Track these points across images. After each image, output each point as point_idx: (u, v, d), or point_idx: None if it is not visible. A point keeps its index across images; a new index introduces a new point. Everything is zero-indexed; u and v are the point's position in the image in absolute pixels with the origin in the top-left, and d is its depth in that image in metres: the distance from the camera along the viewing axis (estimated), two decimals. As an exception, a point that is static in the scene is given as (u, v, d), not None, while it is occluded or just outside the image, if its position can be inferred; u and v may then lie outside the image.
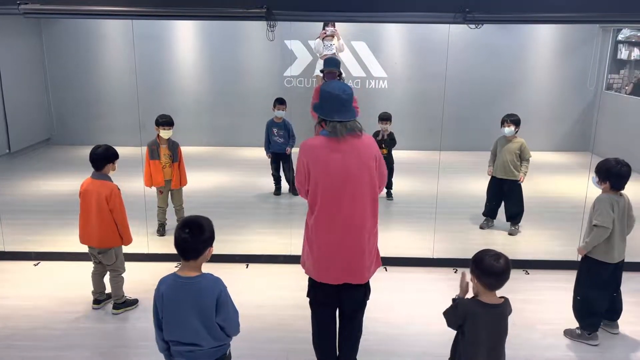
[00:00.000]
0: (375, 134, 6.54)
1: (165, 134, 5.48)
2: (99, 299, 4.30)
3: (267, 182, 7.30)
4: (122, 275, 4.27)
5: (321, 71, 5.49)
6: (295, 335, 3.90)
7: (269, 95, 9.46)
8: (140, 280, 4.62)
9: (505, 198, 5.88)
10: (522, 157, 5.74)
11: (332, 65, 5.06)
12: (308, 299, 3.36)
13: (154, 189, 5.57)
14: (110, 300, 4.32)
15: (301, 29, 9.16)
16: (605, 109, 9.33)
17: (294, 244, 5.26)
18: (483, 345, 2.68)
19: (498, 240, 5.71)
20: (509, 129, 5.68)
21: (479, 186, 7.02)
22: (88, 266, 4.96)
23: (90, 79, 9.70)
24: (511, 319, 3.80)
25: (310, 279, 3.28)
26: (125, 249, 4.34)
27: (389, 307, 4.31)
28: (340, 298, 3.24)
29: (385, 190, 6.86)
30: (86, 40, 9.57)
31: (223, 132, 9.68)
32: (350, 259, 3.10)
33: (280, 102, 6.79)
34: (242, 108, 9.74)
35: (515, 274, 4.90)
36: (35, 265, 5.03)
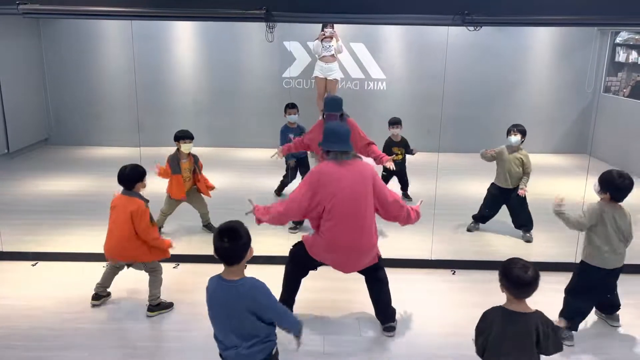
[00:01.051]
0: (389, 141, 6.63)
1: (185, 147, 5.45)
2: (100, 293, 4.29)
3: (266, 182, 7.30)
4: (161, 276, 4.26)
5: (322, 113, 5.58)
6: (291, 336, 3.90)
7: (267, 96, 9.51)
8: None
9: (510, 208, 5.80)
10: (523, 169, 5.65)
11: (334, 109, 5.24)
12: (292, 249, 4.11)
13: (162, 193, 5.59)
14: (108, 299, 4.32)
15: (300, 30, 9.16)
16: (603, 111, 9.36)
17: (291, 244, 5.26)
18: (509, 354, 2.69)
19: (494, 241, 5.71)
20: (515, 138, 5.63)
21: (478, 188, 7.02)
22: (86, 266, 4.98)
23: (88, 79, 9.69)
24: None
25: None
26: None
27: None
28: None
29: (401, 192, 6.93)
30: (85, 40, 9.56)
31: (222, 133, 9.68)
32: (362, 255, 3.82)
33: (291, 106, 6.67)
34: (240, 109, 9.74)
35: (513, 276, 4.92)
36: (33, 265, 5.03)
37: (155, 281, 4.21)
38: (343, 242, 3.70)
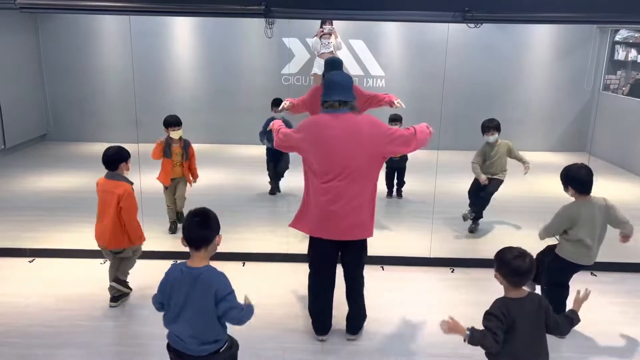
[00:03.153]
0: None
1: (175, 134, 5.47)
2: (116, 295, 4.26)
3: (264, 180, 7.28)
4: (134, 262, 4.31)
5: (323, 75, 5.53)
6: (292, 334, 3.89)
7: (266, 92, 9.45)
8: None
9: (481, 193, 5.82)
10: (513, 155, 5.69)
11: (335, 69, 5.20)
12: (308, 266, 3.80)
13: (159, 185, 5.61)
14: (127, 297, 4.32)
15: (299, 27, 9.13)
16: (602, 109, 9.35)
17: (290, 242, 5.25)
18: (525, 339, 2.67)
19: (493, 239, 5.70)
20: (493, 137, 5.64)
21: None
22: (83, 263, 4.96)
23: (86, 75, 9.66)
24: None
25: (311, 239, 3.69)
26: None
27: (386, 306, 4.30)
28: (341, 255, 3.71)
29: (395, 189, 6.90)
30: (83, 36, 9.52)
31: (220, 129, 9.66)
32: (353, 218, 3.51)
33: (276, 103, 6.66)
34: (239, 105, 9.71)
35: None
36: (30, 262, 5.00)
37: (128, 265, 4.29)
38: (324, 201, 3.45)
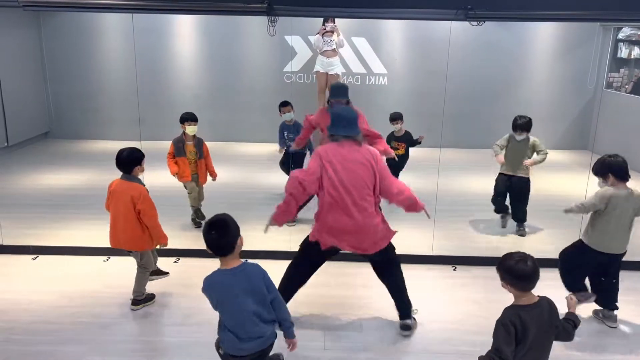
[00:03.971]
0: (390, 135, 6.63)
1: (191, 130, 5.48)
2: (137, 298, 4.22)
3: (267, 178, 7.30)
4: (148, 273, 4.25)
5: (328, 101, 5.60)
6: (295, 331, 3.89)
7: (269, 90, 9.49)
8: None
9: (513, 196, 5.80)
10: (537, 152, 5.71)
11: (340, 95, 5.29)
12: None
13: (168, 181, 5.62)
14: (150, 302, 4.28)
15: (301, 25, 9.13)
16: (605, 107, 9.33)
17: (293, 240, 5.25)
18: (537, 345, 2.64)
19: (495, 237, 5.70)
20: (521, 137, 5.66)
21: (479, 184, 7.04)
22: (86, 260, 4.98)
23: (89, 72, 9.67)
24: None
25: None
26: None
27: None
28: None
29: None
30: (85, 33, 9.53)
31: (223, 127, 9.66)
32: (362, 235, 3.77)
33: (284, 104, 6.64)
34: (242, 103, 9.72)
35: (514, 272, 4.91)
36: (33, 259, 5.02)
37: (142, 278, 4.20)
38: (340, 220, 3.69)
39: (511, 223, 5.90)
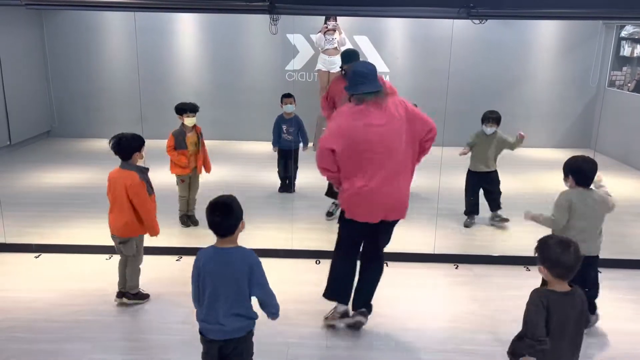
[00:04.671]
0: None
1: (189, 121, 5.43)
2: (123, 291, 4.23)
3: (268, 176, 7.29)
4: (140, 266, 4.24)
5: (341, 68, 5.53)
6: (295, 330, 3.91)
7: (270, 89, 9.47)
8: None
9: (487, 190, 5.92)
10: (507, 144, 5.78)
11: (353, 58, 5.24)
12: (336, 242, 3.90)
13: (172, 178, 5.61)
14: (142, 302, 4.26)
15: (303, 23, 9.12)
16: (607, 106, 9.31)
17: (295, 238, 5.27)
18: (567, 337, 2.57)
19: (497, 236, 5.70)
20: (491, 130, 5.72)
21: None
22: (89, 258, 4.99)
23: (91, 71, 9.67)
24: (513, 316, 3.80)
25: (345, 221, 3.71)
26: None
27: (390, 302, 4.31)
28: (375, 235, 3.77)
29: None
30: (87, 32, 9.54)
31: (224, 126, 9.66)
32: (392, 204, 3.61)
33: (287, 95, 6.66)
34: (243, 102, 9.72)
35: (516, 271, 4.93)
36: (36, 257, 5.03)
37: (134, 272, 4.19)
38: (376, 190, 3.48)
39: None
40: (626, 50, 8.97)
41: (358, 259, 3.92)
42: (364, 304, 3.88)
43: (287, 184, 6.94)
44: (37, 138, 9.45)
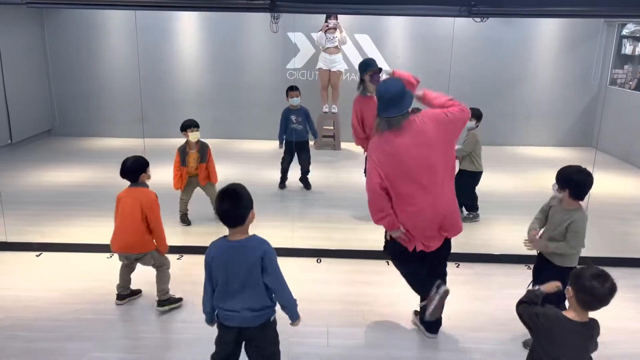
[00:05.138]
0: None
1: (193, 136, 5.48)
2: (122, 293, 4.22)
3: (269, 175, 7.29)
4: (168, 270, 4.18)
5: (362, 77, 5.50)
6: (296, 328, 3.89)
7: (271, 87, 9.48)
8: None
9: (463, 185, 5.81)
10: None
11: (371, 66, 5.28)
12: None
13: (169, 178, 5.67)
14: (135, 297, 4.27)
15: (304, 21, 9.12)
16: (609, 104, 9.30)
17: (295, 237, 5.27)
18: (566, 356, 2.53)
19: (498, 234, 5.69)
20: (470, 124, 5.72)
21: (482, 180, 7.01)
22: (90, 257, 4.99)
23: (92, 70, 9.68)
24: (514, 315, 3.79)
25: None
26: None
27: (391, 301, 4.31)
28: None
29: None
30: (88, 31, 9.54)
31: (225, 124, 9.66)
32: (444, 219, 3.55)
33: (292, 89, 6.64)
34: (244, 101, 9.72)
35: (517, 269, 4.92)
36: (37, 256, 5.03)
37: (163, 277, 4.13)
38: (421, 214, 3.44)
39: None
40: (627, 49, 8.96)
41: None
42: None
43: (286, 179, 6.93)
44: (38, 137, 9.46)
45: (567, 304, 2.64)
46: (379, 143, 3.48)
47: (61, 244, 5.16)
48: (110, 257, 4.96)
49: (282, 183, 6.99)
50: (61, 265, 4.86)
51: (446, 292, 3.62)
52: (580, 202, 3.54)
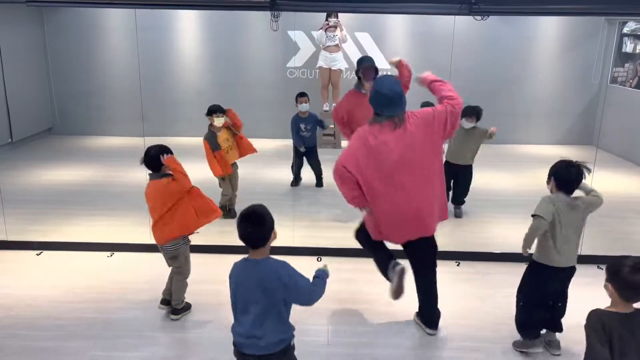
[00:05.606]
0: None
1: (218, 121, 5.59)
2: (168, 298, 4.09)
3: (270, 173, 7.29)
4: (187, 280, 4.05)
5: (357, 73, 5.56)
6: (299, 327, 3.89)
7: (271, 86, 9.47)
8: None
9: (456, 182, 6.03)
10: (485, 135, 5.89)
11: (368, 62, 5.33)
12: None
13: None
14: (188, 312, 4.12)
15: (304, 20, 9.10)
16: (610, 102, 9.28)
17: (296, 236, 5.26)
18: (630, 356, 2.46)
19: (499, 233, 5.69)
20: (470, 124, 5.83)
21: (483, 179, 7.01)
22: (91, 256, 4.99)
23: (92, 68, 9.67)
24: (514, 313, 3.79)
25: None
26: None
27: (391, 300, 4.30)
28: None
29: None
30: (88, 30, 9.53)
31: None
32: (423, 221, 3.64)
33: (302, 95, 6.69)
34: (245, 99, 9.69)
35: (517, 268, 4.90)
36: (37, 254, 5.03)
37: (181, 286, 4.02)
38: (401, 212, 3.50)
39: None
40: (628, 47, 8.94)
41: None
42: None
43: (300, 179, 7.03)
44: (38, 135, 9.45)
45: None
46: (364, 134, 3.49)
47: (61, 243, 5.16)
48: (111, 255, 4.97)
49: (296, 182, 7.06)
50: (61, 264, 4.86)
51: (402, 270, 3.70)
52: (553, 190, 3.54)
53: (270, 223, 2.69)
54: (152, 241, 4.96)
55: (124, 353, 3.63)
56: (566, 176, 3.47)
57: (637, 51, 8.76)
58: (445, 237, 5.41)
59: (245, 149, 5.85)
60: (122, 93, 9.57)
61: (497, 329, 3.93)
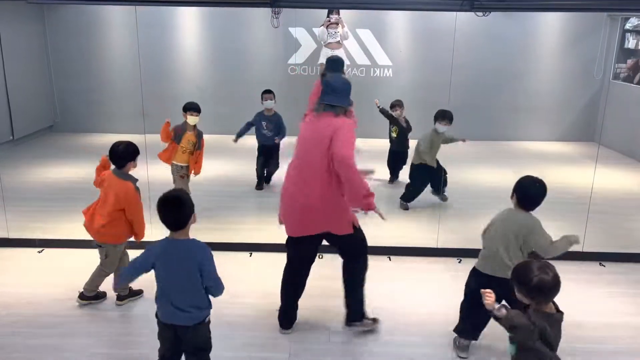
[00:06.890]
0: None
1: (192, 120, 5.54)
2: (122, 294, 4.18)
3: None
4: (106, 277, 4.14)
5: (322, 74, 5.62)
6: (298, 324, 3.90)
7: (272, 83, 9.40)
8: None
9: (433, 179, 6.10)
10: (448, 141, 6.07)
11: (335, 69, 5.30)
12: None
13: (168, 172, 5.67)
14: (135, 298, 4.23)
15: (305, 16, 9.08)
16: (612, 98, 9.25)
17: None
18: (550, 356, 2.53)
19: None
20: (444, 128, 5.92)
21: (485, 176, 7.00)
22: (92, 253, 4.97)
23: (93, 66, 9.67)
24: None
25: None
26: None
27: (392, 296, 4.30)
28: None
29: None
30: (89, 27, 9.52)
31: (226, 120, 9.59)
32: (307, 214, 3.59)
33: (267, 92, 6.62)
34: (245, 96, 9.66)
35: (519, 265, 4.89)
36: (39, 252, 5.04)
37: (98, 277, 4.11)
38: (288, 195, 3.62)
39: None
40: (631, 43, 8.91)
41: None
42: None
43: (263, 181, 6.90)
44: (39, 133, 9.46)
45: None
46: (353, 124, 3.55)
47: (63, 240, 5.16)
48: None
49: (259, 185, 6.89)
50: (63, 262, 4.86)
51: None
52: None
53: (189, 206, 2.86)
54: (152, 238, 4.96)
55: (125, 350, 3.64)
56: (529, 194, 3.42)
57: (639, 47, 8.74)
58: (447, 234, 5.41)
59: (193, 165, 5.70)
60: (123, 90, 9.57)
61: (497, 326, 3.91)
